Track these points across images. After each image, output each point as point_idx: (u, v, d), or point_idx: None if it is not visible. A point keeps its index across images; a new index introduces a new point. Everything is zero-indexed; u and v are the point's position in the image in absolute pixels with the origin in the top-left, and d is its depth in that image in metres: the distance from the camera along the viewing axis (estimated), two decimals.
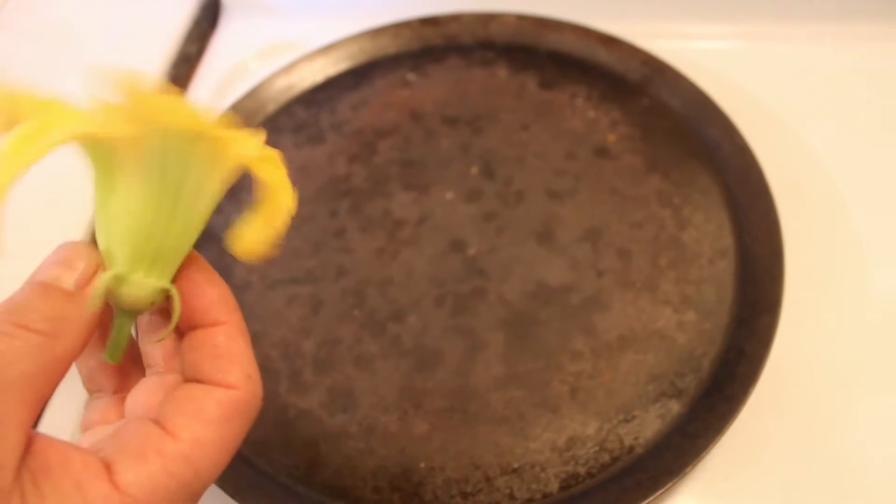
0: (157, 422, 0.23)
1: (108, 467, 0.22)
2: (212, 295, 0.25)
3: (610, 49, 0.55)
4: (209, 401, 0.24)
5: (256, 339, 0.44)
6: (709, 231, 0.46)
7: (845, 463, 0.39)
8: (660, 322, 0.43)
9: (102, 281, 0.23)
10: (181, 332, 0.27)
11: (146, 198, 0.23)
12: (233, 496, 0.38)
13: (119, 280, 0.24)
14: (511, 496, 0.38)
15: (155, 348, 0.27)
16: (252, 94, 0.55)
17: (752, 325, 0.41)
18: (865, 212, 0.47)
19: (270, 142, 0.56)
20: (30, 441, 0.21)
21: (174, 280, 0.25)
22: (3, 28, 0.64)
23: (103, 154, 0.23)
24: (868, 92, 0.53)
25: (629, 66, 0.54)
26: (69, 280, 0.23)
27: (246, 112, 0.54)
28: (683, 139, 0.50)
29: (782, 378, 0.40)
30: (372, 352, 0.43)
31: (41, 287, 0.23)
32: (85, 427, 0.28)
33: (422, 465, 0.40)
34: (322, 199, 0.50)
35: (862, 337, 0.42)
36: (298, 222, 0.49)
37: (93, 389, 0.28)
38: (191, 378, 0.25)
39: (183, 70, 0.63)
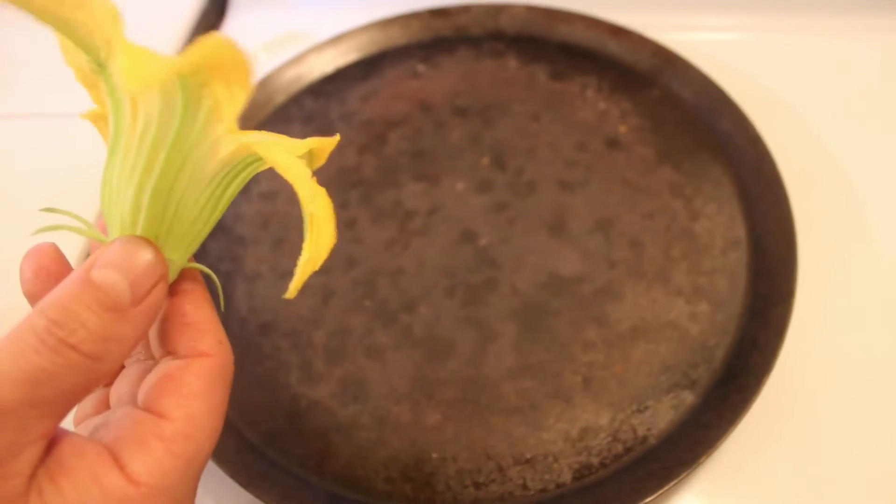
0: (146, 408, 0.24)
1: (115, 459, 0.22)
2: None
3: (620, 40, 0.54)
4: (188, 375, 0.24)
5: (267, 330, 0.44)
6: (721, 222, 0.46)
7: (859, 453, 0.38)
8: (672, 313, 0.43)
9: (161, 292, 0.23)
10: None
11: (181, 180, 0.23)
12: (244, 486, 0.38)
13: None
14: (524, 486, 0.38)
15: None
16: (261, 85, 0.55)
17: (766, 316, 0.41)
18: (878, 202, 0.47)
19: (280, 133, 0.56)
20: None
21: None
22: (9, 21, 0.64)
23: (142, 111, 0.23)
24: (880, 83, 0.53)
25: (639, 57, 0.54)
26: (125, 290, 0.22)
27: (255, 103, 0.54)
28: (695, 130, 0.50)
29: (796, 369, 0.40)
30: (383, 342, 0.43)
31: (93, 294, 0.21)
32: (78, 421, 0.27)
33: (434, 455, 0.40)
34: (332, 189, 0.49)
35: (876, 327, 0.42)
36: None
37: None
38: (164, 351, 0.25)
39: None
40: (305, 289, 0.46)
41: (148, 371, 0.26)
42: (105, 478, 0.21)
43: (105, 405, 0.27)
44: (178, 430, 0.23)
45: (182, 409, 0.23)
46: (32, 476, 0.20)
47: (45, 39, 0.24)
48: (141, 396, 0.24)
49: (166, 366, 0.24)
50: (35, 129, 0.57)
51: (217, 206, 0.24)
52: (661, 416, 0.39)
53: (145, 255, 0.23)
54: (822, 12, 0.56)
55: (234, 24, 0.64)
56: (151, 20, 0.63)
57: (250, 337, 0.44)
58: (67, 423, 0.25)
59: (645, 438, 0.39)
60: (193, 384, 0.24)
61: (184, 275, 0.25)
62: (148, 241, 0.23)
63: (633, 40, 0.54)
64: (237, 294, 0.46)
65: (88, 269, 0.22)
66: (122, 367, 0.28)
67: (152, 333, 0.26)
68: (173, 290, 0.25)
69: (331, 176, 0.50)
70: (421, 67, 0.56)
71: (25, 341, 0.20)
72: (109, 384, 0.28)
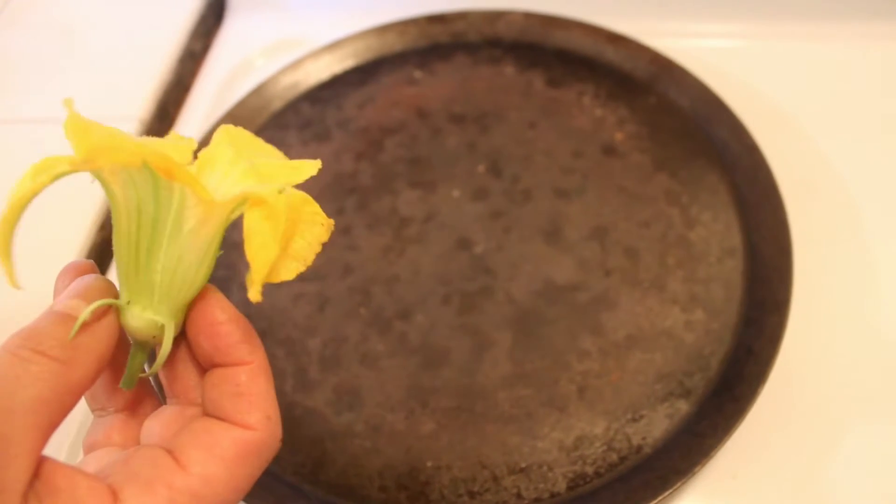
0: (171, 452, 0.23)
1: (114, 494, 0.22)
2: (235, 335, 0.25)
3: (617, 47, 0.54)
4: (226, 438, 0.24)
5: (262, 337, 0.44)
6: (717, 230, 0.46)
7: (854, 462, 0.38)
8: (668, 321, 0.42)
9: (114, 316, 0.24)
10: (204, 368, 0.27)
11: (141, 231, 0.24)
12: None
13: (121, 310, 0.25)
14: (518, 496, 0.38)
15: (176, 380, 0.27)
16: (258, 92, 0.55)
17: (761, 325, 0.41)
18: (874, 210, 0.47)
19: (276, 139, 0.56)
20: (38, 464, 0.21)
21: (191, 318, 0.26)
22: (8, 25, 0.64)
23: (112, 188, 0.24)
24: (876, 91, 0.53)
25: (637, 64, 0.54)
26: (85, 311, 0.23)
27: (251, 109, 0.54)
28: (691, 138, 0.50)
29: (791, 377, 0.40)
30: (378, 350, 0.43)
31: (58, 316, 0.23)
32: (88, 447, 0.27)
33: (428, 464, 0.39)
34: (328, 196, 0.50)
35: (871, 335, 0.42)
36: None
37: (95, 408, 0.28)
38: (210, 415, 0.25)
39: (188, 67, 0.62)
40: (301, 296, 0.46)
41: (185, 414, 0.26)
42: None
43: (115, 433, 0.27)
44: (189, 485, 0.23)
45: (202, 467, 0.23)
46: (25, 497, 0.20)
47: (45, 44, 0.25)
48: (175, 439, 0.24)
49: (210, 421, 0.24)
50: (34, 134, 0.57)
51: (175, 250, 0.25)
52: (656, 424, 0.39)
53: (98, 283, 0.25)
54: (820, 20, 0.56)
55: (231, 30, 0.64)
56: (149, 27, 0.64)
57: None
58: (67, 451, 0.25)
59: (640, 447, 0.39)
60: (226, 449, 0.23)
61: (241, 346, 0.25)
62: (101, 277, 0.25)
63: (631, 47, 0.54)
64: (232, 301, 0.46)
65: (52, 306, 0.24)
66: (123, 391, 0.28)
67: (203, 395, 0.26)
68: (232, 359, 0.25)
69: (327, 182, 0.50)
70: (418, 74, 0.56)
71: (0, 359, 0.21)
72: (121, 410, 0.27)
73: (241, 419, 0.24)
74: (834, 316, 0.43)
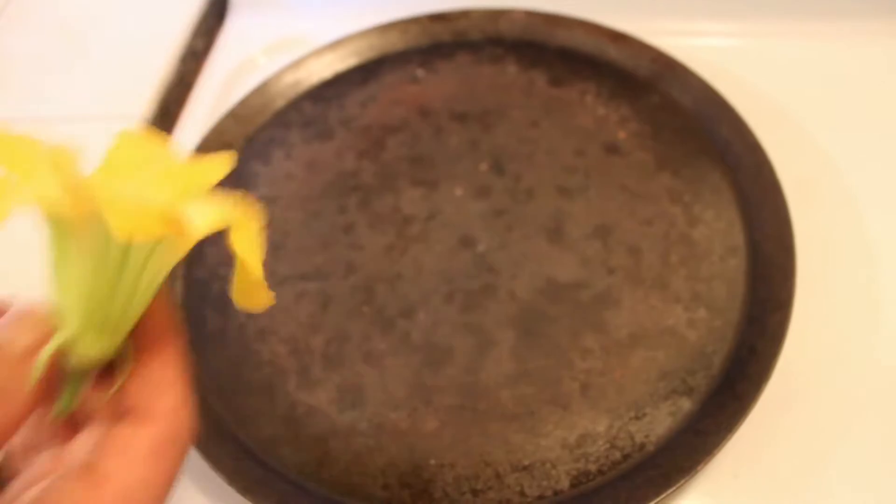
0: (88, 466, 0.23)
1: None
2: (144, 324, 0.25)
3: (620, 46, 0.54)
4: (136, 437, 0.23)
5: (265, 336, 0.44)
6: (719, 228, 0.46)
7: (856, 461, 0.38)
8: (670, 319, 0.43)
9: (49, 349, 0.23)
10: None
11: (96, 266, 0.23)
12: (242, 493, 0.38)
13: (71, 343, 0.23)
14: (522, 493, 0.38)
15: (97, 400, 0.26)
16: (260, 90, 0.55)
17: (764, 323, 0.41)
18: (877, 208, 0.47)
19: (279, 137, 0.56)
20: None
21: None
22: (9, 24, 0.64)
23: (60, 222, 0.23)
24: (880, 89, 0.53)
25: (639, 62, 0.54)
26: (20, 344, 0.23)
27: (254, 108, 0.54)
28: (694, 136, 0.50)
29: (794, 375, 0.40)
30: (381, 348, 0.43)
31: None
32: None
33: (432, 462, 0.39)
34: (330, 194, 0.50)
35: (873, 333, 0.42)
36: (307, 218, 0.49)
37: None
38: (118, 411, 0.24)
39: (190, 65, 0.62)
40: (303, 295, 0.46)
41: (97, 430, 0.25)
42: None
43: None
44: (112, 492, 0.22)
45: (117, 473, 0.22)
46: None
47: (47, 44, 0.25)
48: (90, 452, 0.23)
49: (116, 427, 0.23)
50: (35, 134, 0.57)
51: (127, 276, 0.23)
52: (659, 422, 0.39)
53: (36, 313, 0.23)
54: (823, 18, 0.56)
55: (233, 29, 0.64)
56: (151, 25, 0.64)
57: (248, 343, 0.44)
58: None
59: (643, 445, 0.39)
60: (138, 448, 0.23)
61: (156, 335, 0.25)
62: (40, 306, 0.24)
63: (633, 46, 0.54)
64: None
65: None
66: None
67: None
68: (143, 347, 0.24)
69: (329, 181, 0.50)
70: (420, 72, 0.56)
71: None
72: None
73: (147, 408, 0.23)
74: (837, 314, 0.43)
